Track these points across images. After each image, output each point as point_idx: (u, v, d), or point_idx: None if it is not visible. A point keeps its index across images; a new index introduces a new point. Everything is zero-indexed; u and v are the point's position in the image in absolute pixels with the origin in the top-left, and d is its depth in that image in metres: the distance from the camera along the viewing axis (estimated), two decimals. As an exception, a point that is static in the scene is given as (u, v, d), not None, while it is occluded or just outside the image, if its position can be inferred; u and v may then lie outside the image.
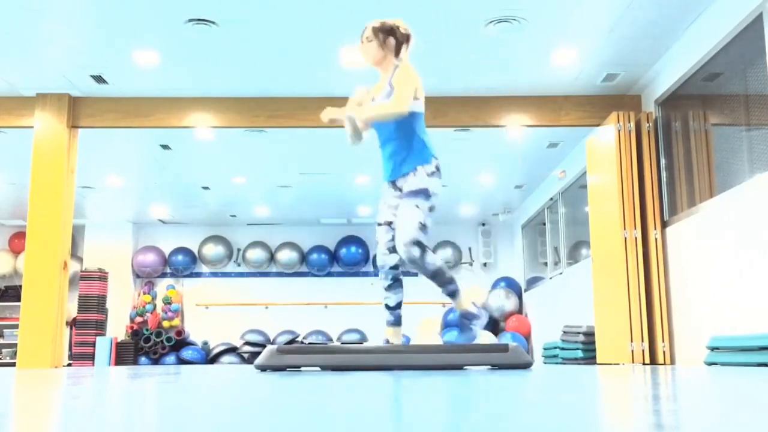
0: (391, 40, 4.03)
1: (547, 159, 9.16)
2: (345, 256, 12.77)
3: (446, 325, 11.92)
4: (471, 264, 13.07)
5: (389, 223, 4.05)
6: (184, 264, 12.89)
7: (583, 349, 7.57)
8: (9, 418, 1.13)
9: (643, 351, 6.23)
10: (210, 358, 12.01)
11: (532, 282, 11.50)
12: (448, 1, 5.44)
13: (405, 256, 3.85)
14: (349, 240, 12.81)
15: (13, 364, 10.98)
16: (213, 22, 5.74)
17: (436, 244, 12.80)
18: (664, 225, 6.39)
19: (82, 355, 10.34)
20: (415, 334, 11.41)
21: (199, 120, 7.30)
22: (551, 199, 9.98)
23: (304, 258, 12.96)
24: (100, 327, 10.62)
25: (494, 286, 12.28)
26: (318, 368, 3.75)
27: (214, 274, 13.14)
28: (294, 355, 3.63)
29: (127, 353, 11.48)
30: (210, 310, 12.83)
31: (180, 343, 12.01)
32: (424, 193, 3.94)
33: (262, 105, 7.28)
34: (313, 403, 1.34)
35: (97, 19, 5.71)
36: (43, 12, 5.58)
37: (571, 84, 7.00)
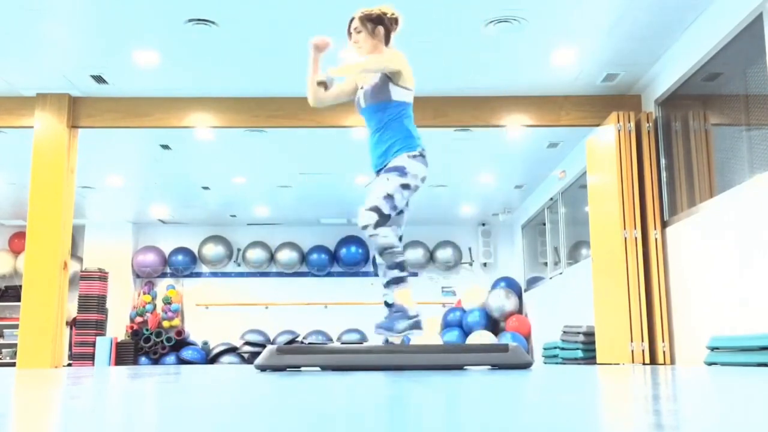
0: (380, 29, 3.98)
1: (547, 159, 9.16)
2: (345, 256, 12.77)
3: (446, 325, 11.92)
4: (471, 264, 13.07)
5: None
6: (184, 264, 12.89)
7: (583, 349, 7.57)
8: (9, 418, 1.13)
9: (643, 351, 6.23)
10: (210, 358, 12.01)
11: (532, 282, 11.50)
12: (448, 1, 5.44)
13: (359, 223, 3.82)
14: (349, 240, 12.81)
15: (13, 364, 10.97)
16: (213, 22, 5.74)
17: (436, 244, 12.82)
18: (664, 225, 6.39)
19: (82, 355, 10.34)
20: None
21: (199, 120, 7.30)
22: (551, 199, 9.98)
23: (304, 258, 12.96)
24: (100, 327, 10.61)
25: (494, 286, 12.28)
26: (318, 368, 3.75)
27: (214, 274, 13.14)
28: (294, 355, 3.62)
29: (127, 353, 11.48)
30: (210, 310, 12.82)
31: (180, 343, 12.01)
32: (400, 170, 3.88)
33: (262, 105, 7.28)
34: (313, 403, 1.33)
35: (97, 19, 5.71)
36: (43, 12, 5.58)
37: (571, 84, 7.00)
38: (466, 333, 11.57)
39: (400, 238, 4.21)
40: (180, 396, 1.65)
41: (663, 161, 6.51)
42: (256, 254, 12.90)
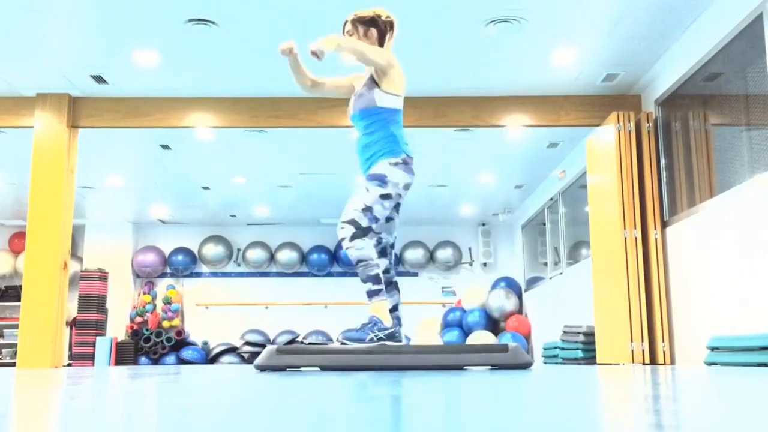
0: (373, 31, 3.94)
1: (547, 159, 9.16)
2: (345, 256, 12.75)
3: (446, 325, 11.92)
4: (471, 264, 13.07)
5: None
6: (184, 264, 12.89)
7: (583, 349, 7.57)
8: (9, 418, 1.13)
9: (643, 351, 6.23)
10: (210, 358, 12.01)
11: (532, 282, 11.50)
12: (448, 1, 5.44)
13: (338, 234, 3.83)
14: (349, 240, 12.79)
15: (13, 364, 10.98)
16: (213, 22, 5.74)
17: (436, 244, 12.82)
18: (664, 225, 6.39)
19: (82, 355, 10.34)
20: (415, 334, 11.41)
21: (199, 120, 7.30)
22: (551, 199, 9.98)
23: (304, 258, 12.96)
24: (100, 327, 10.61)
25: (494, 286, 12.28)
26: (318, 368, 3.75)
27: (214, 274, 13.14)
28: (294, 355, 3.62)
29: (127, 353, 11.48)
30: (210, 310, 12.83)
31: (180, 343, 12.01)
32: (380, 179, 3.85)
33: (262, 105, 7.28)
34: (313, 403, 1.34)
35: (97, 19, 5.71)
36: (43, 12, 5.58)
37: (571, 84, 7.00)
38: (466, 333, 11.57)
39: (392, 245, 4.20)
40: (180, 396, 1.65)
41: (663, 161, 6.51)
42: (256, 254, 12.90)
